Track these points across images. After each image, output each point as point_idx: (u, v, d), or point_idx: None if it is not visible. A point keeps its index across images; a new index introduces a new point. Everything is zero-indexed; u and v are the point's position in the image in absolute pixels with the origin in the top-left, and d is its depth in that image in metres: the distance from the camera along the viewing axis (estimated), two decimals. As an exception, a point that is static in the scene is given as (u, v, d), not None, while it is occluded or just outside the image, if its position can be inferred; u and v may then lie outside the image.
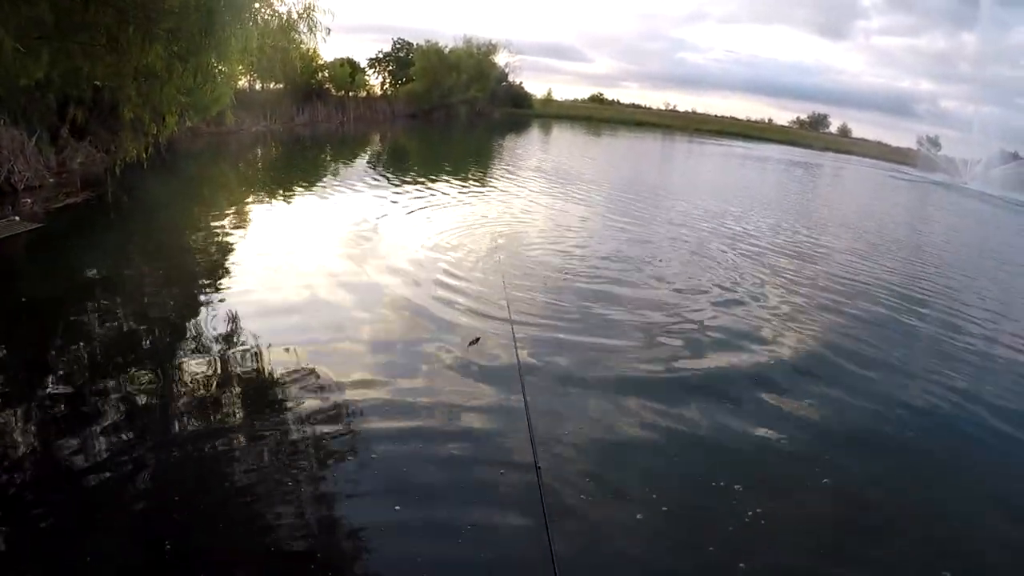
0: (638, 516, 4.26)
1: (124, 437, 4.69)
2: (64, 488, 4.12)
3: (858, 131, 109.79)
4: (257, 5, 15.24)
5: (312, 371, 5.87)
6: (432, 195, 15.94)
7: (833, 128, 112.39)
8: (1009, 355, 8.39)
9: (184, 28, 11.56)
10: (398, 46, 63.38)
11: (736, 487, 4.62)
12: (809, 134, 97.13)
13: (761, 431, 5.54)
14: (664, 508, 4.36)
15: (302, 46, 19.21)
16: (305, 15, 17.09)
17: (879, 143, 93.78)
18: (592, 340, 7.17)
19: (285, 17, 16.52)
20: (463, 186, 17.73)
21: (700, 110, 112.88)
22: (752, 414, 5.86)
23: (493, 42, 64.95)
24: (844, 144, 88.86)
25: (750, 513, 4.36)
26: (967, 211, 31.20)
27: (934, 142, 74.77)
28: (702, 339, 7.52)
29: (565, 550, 3.63)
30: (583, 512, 4.26)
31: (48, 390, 5.32)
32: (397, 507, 4.12)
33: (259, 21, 15.76)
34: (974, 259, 16.42)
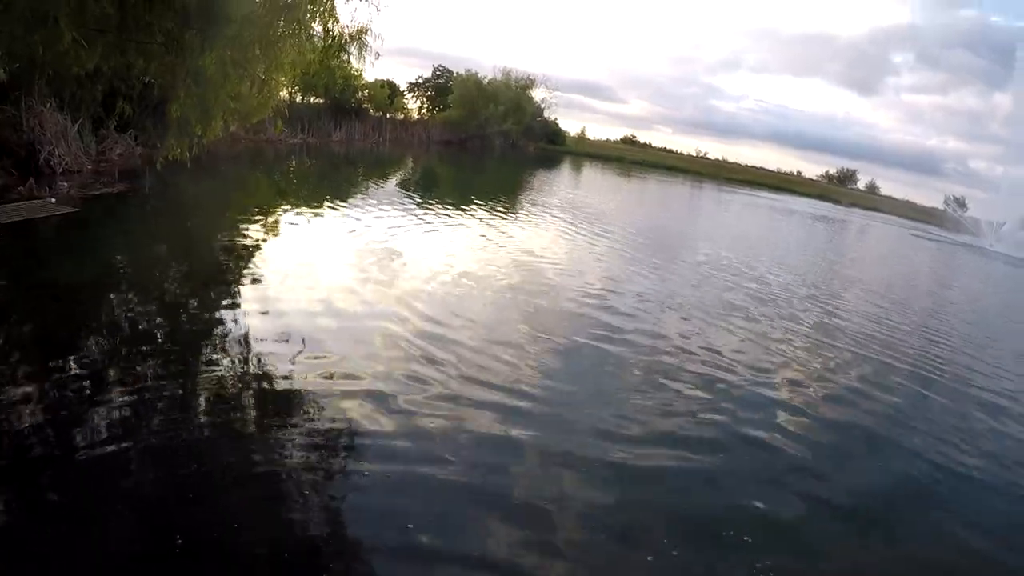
0: (648, 559, 4.22)
1: (137, 427, 4.68)
2: (73, 472, 4.14)
3: (885, 188, 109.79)
4: (315, 24, 15.42)
5: (323, 381, 5.86)
6: (459, 224, 15.89)
7: (861, 184, 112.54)
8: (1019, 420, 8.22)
9: (243, 36, 11.76)
10: (438, 73, 64.42)
11: (746, 539, 4.56)
12: (837, 189, 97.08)
13: (770, 486, 5.45)
14: (674, 553, 4.32)
15: (349, 66, 19.45)
16: (357, 37, 17.36)
17: (906, 201, 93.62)
18: (591, 380, 7.07)
19: (338, 37, 16.72)
20: (490, 217, 17.70)
21: (730, 158, 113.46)
22: (759, 466, 5.76)
23: (531, 76, 65.61)
24: (871, 201, 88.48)
25: (758, 565, 4.31)
26: (990, 274, 30.79)
27: (960, 202, 74.48)
28: (708, 389, 7.34)
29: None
30: (594, 552, 4.22)
31: (64, 373, 5.34)
32: (410, 525, 4.07)
33: (314, 39, 15.96)
34: (994, 323, 16.12)
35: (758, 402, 7.12)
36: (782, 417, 6.83)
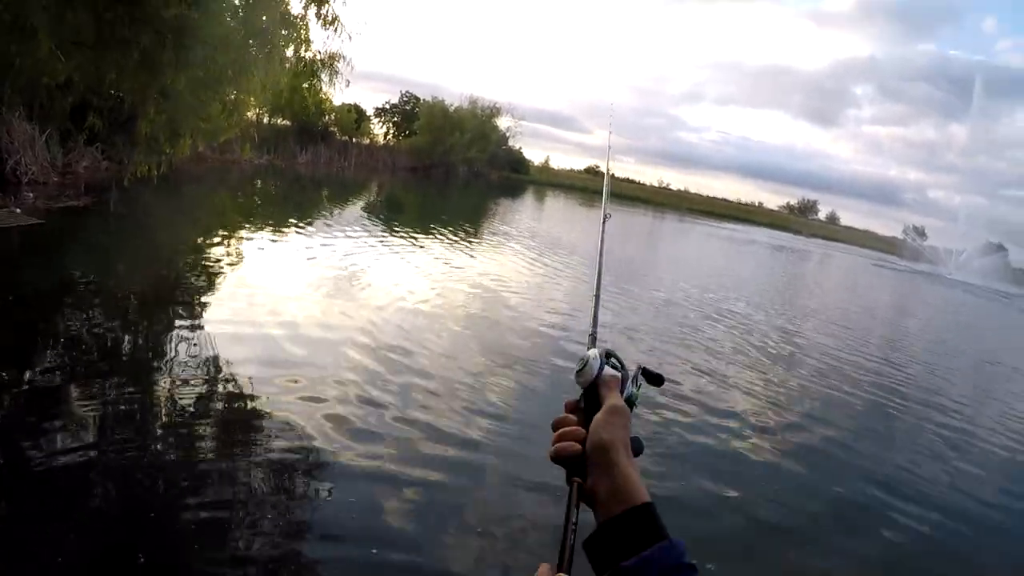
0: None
1: (96, 442, 4.64)
2: (30, 486, 4.08)
3: (846, 218, 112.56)
4: (288, 50, 15.68)
5: (280, 403, 5.78)
6: (421, 250, 15.94)
7: (822, 215, 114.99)
8: (980, 445, 8.50)
9: (217, 58, 11.93)
10: (405, 99, 64.83)
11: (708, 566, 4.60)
12: (798, 219, 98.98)
13: (718, 512, 5.51)
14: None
15: (319, 91, 19.71)
16: (328, 63, 17.57)
17: (866, 231, 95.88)
18: (548, 406, 6.94)
19: (309, 62, 16.96)
20: (452, 244, 17.74)
21: (693, 189, 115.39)
22: (703, 494, 5.77)
23: (497, 105, 66.24)
24: (831, 231, 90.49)
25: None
26: (949, 302, 31.75)
27: (920, 232, 75.86)
28: (658, 417, 7.28)
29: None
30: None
31: (20, 385, 5.30)
32: (374, 550, 4.04)
33: (286, 64, 16.19)
34: (951, 350, 16.73)
35: (709, 432, 7.14)
36: (733, 444, 6.94)
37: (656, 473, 5.74)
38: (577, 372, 1.12)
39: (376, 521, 4.35)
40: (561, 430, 1.05)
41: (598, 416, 1.03)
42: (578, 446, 1.00)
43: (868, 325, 17.99)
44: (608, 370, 1.11)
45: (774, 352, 11.54)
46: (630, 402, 1.09)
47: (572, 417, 1.08)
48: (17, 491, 4.03)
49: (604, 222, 2.13)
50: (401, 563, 3.99)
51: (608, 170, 2.71)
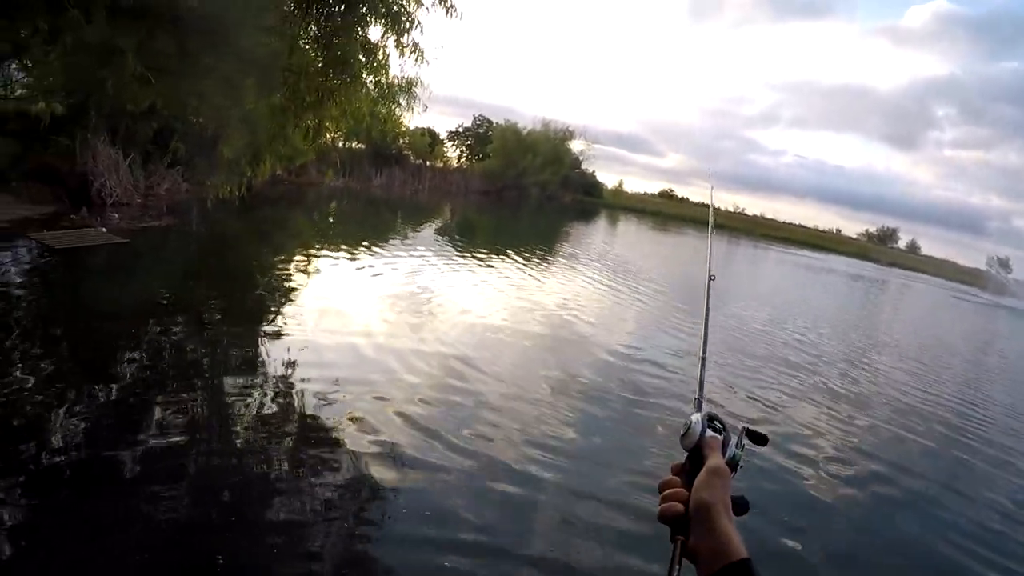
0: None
1: (176, 450, 4.82)
2: (117, 492, 4.27)
3: (926, 246, 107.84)
4: (368, 77, 15.91)
5: (354, 416, 5.97)
6: (494, 272, 15.90)
7: (902, 243, 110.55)
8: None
9: (299, 86, 12.14)
10: (478, 122, 65.44)
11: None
12: (877, 248, 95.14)
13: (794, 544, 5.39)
14: None
15: (395, 116, 19.94)
16: (406, 88, 17.76)
17: (948, 261, 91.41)
18: (616, 434, 7.04)
19: (388, 88, 17.20)
20: (524, 268, 17.83)
21: (768, 214, 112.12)
22: (782, 523, 5.62)
23: (570, 128, 66.09)
24: (911, 261, 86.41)
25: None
26: None
27: (1004, 263, 72.70)
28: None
29: None
30: None
31: (107, 396, 5.50)
32: (444, 561, 4.16)
33: (364, 89, 16.43)
34: None
35: (779, 463, 6.91)
36: (806, 476, 6.70)
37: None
38: (681, 436, 1.16)
39: (447, 532, 4.45)
40: (666, 492, 1.10)
41: (699, 477, 1.08)
42: (680, 507, 1.05)
43: (948, 363, 16.88)
44: (710, 433, 1.15)
45: (850, 390, 10.95)
46: (733, 463, 1.13)
47: (676, 479, 1.12)
48: (105, 498, 4.20)
49: (709, 284, 2.00)
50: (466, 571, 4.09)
51: (711, 230, 2.57)
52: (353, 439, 5.56)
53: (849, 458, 7.57)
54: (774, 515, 5.62)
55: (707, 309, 1.91)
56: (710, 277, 2.06)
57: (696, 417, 1.17)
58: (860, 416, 9.53)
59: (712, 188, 3.00)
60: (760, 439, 1.22)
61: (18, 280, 8.23)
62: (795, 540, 5.33)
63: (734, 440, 1.16)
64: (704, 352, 1.63)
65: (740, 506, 1.05)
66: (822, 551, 5.28)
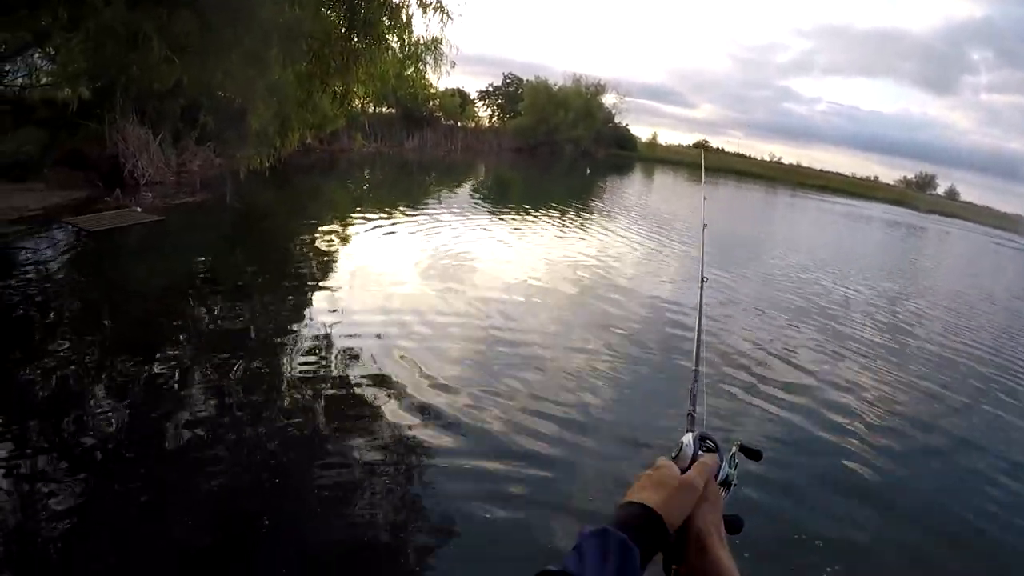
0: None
1: (220, 420, 4.94)
2: (157, 460, 4.37)
3: (966, 193, 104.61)
4: (392, 38, 15.68)
5: (396, 380, 5.99)
6: (530, 229, 15.84)
7: (940, 189, 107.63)
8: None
9: (323, 52, 11.97)
10: (508, 80, 64.57)
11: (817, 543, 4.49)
12: (916, 194, 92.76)
13: (838, 495, 5.29)
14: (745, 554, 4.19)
15: (424, 78, 19.74)
16: (432, 47, 17.47)
17: (987, 208, 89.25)
18: (664, 390, 6.96)
19: (413, 48, 16.92)
20: (561, 222, 17.69)
21: (805, 163, 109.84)
22: (830, 477, 5.58)
23: (601, 82, 65.13)
24: (951, 207, 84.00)
25: (828, 569, 4.25)
26: None
27: (1045, 209, 70.40)
28: (781, 397, 7.15)
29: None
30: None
31: (147, 372, 5.56)
32: (487, 514, 4.22)
33: (390, 51, 16.20)
34: None
35: (828, 416, 6.83)
36: (856, 431, 6.56)
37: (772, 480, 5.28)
38: (672, 457, 1.08)
39: (491, 486, 4.53)
40: None
41: None
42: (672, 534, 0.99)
43: (985, 310, 16.06)
44: (703, 454, 1.10)
45: (886, 341, 10.64)
46: (727, 483, 1.10)
47: None
48: (154, 465, 4.33)
49: (702, 287, 1.89)
50: (503, 534, 4.11)
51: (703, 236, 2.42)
52: (393, 399, 5.60)
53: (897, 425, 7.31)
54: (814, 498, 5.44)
55: (700, 315, 1.78)
56: (702, 279, 1.92)
57: (688, 438, 1.11)
58: (898, 370, 9.23)
59: (703, 166, 2.85)
60: (755, 455, 1.20)
61: (56, 264, 8.28)
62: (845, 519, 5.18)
63: (727, 459, 1.12)
64: (697, 364, 1.51)
65: (734, 525, 1.02)
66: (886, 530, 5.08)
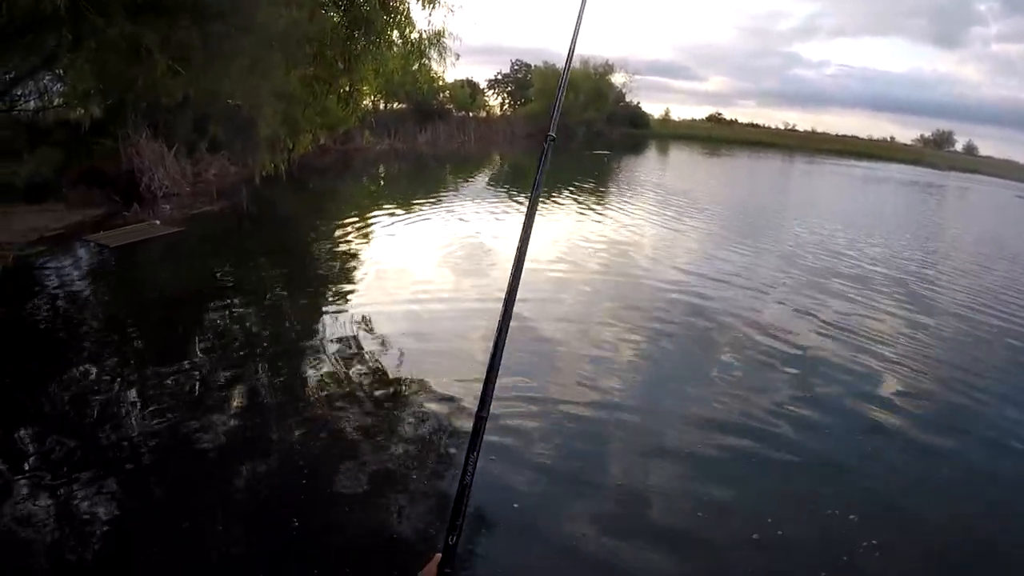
0: (754, 536, 4.16)
1: (248, 422, 5.05)
2: (193, 460, 4.50)
3: (984, 148, 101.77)
4: (393, 33, 15.73)
5: (428, 376, 6.04)
6: (549, 212, 15.86)
7: (959, 146, 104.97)
8: None
9: (325, 54, 12.04)
10: (516, 67, 64.18)
11: (851, 516, 4.45)
12: (934, 153, 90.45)
13: (869, 463, 5.26)
14: (779, 532, 4.23)
15: (429, 70, 19.76)
16: (435, 40, 17.48)
17: (1006, 161, 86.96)
18: (683, 361, 7.12)
19: (416, 43, 16.96)
20: (579, 204, 17.68)
21: (819, 128, 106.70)
22: (863, 444, 5.56)
23: (609, 62, 64.43)
24: (970, 163, 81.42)
25: (864, 544, 4.19)
26: None
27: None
28: (806, 364, 7.16)
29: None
30: (696, 530, 4.26)
31: (175, 381, 5.65)
32: (515, 505, 4.27)
33: (393, 47, 16.26)
34: None
35: (856, 385, 6.77)
36: (884, 400, 6.49)
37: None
38: None
39: (516, 481, 4.51)
40: None
41: None
42: None
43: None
44: None
45: (918, 302, 10.61)
46: None
47: None
48: (182, 465, 4.45)
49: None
50: (538, 524, 4.17)
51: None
52: (421, 396, 5.68)
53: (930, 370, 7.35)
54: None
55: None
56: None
57: None
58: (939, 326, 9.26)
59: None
60: None
61: (80, 280, 8.48)
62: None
63: None
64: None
65: None
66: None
